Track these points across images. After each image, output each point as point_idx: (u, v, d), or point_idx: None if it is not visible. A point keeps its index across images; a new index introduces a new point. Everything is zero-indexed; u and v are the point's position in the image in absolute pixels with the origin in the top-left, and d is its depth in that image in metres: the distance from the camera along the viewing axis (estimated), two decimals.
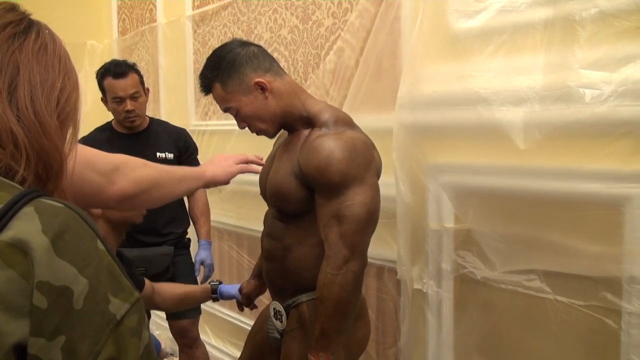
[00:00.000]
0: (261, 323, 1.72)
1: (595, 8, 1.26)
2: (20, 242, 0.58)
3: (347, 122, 1.49)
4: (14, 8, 0.72)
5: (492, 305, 1.56)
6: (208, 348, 2.78)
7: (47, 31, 0.74)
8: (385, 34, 2.02)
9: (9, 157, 0.65)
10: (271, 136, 1.56)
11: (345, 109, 2.16)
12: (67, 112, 0.73)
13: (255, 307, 1.91)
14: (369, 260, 2.08)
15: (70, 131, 0.74)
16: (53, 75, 0.72)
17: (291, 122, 1.53)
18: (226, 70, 1.47)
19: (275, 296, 1.61)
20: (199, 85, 1.55)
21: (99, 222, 1.45)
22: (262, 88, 1.47)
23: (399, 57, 1.99)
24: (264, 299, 1.93)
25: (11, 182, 0.65)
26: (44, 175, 0.70)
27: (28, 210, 0.60)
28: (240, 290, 1.87)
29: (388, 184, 1.82)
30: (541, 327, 1.45)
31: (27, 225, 0.59)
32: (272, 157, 1.63)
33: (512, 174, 1.43)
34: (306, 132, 1.49)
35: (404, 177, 1.70)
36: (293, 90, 1.52)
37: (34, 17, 0.75)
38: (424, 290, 1.70)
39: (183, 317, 2.45)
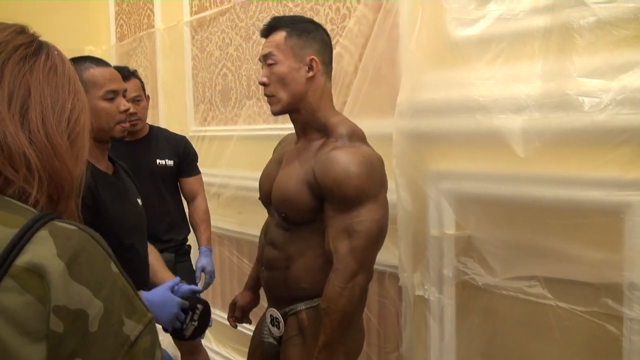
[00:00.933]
0: (258, 337, 1.71)
1: (593, 16, 1.27)
2: (36, 267, 0.59)
3: (362, 137, 1.52)
4: (23, 30, 0.73)
5: (494, 311, 1.57)
6: (210, 354, 2.79)
7: (56, 52, 0.75)
8: (384, 40, 2.03)
9: (22, 180, 0.66)
10: (277, 110, 1.51)
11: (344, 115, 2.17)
12: (77, 132, 0.73)
13: (249, 321, 1.89)
14: None
15: (79, 151, 0.74)
16: (63, 96, 0.72)
17: (306, 123, 1.53)
18: (300, 30, 1.48)
19: (272, 303, 1.62)
20: (263, 24, 1.52)
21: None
22: (310, 67, 1.47)
23: (397, 64, 2.00)
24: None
25: (25, 205, 0.66)
26: (56, 196, 0.70)
27: (43, 234, 0.61)
28: (234, 303, 1.85)
29: (388, 189, 1.83)
30: (543, 333, 1.46)
31: (42, 249, 0.60)
32: (276, 162, 1.62)
33: (512, 181, 1.43)
34: (320, 141, 1.50)
35: (405, 184, 1.71)
36: (326, 95, 1.53)
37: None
38: (426, 297, 1.70)
39: None
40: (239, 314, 1.84)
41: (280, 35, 1.47)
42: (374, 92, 2.08)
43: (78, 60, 1.51)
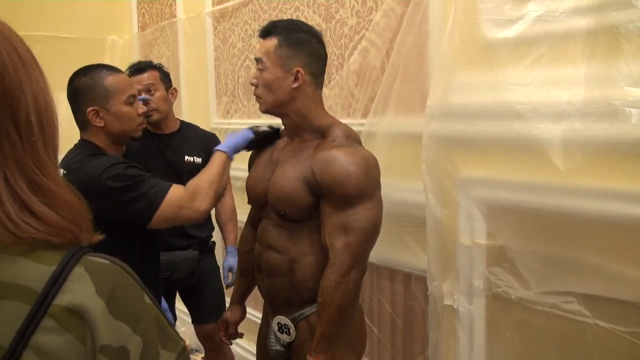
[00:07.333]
0: (263, 347, 1.69)
1: None
2: (77, 307, 0.59)
3: (357, 139, 1.55)
4: None
5: (527, 326, 1.51)
6: (234, 347, 2.78)
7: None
8: (413, 35, 1.94)
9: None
10: (263, 110, 1.57)
11: (372, 112, 2.10)
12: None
13: (241, 335, 1.88)
14: (395, 267, 2.06)
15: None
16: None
17: (298, 126, 1.56)
18: (292, 40, 1.50)
19: (278, 310, 1.61)
20: (262, 26, 1.56)
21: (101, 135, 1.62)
22: (296, 78, 1.50)
23: (427, 61, 1.92)
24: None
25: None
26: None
27: (79, 271, 0.61)
28: (225, 320, 1.84)
29: (416, 190, 1.77)
30: (580, 353, 1.39)
31: (81, 289, 0.60)
32: (268, 163, 1.63)
33: (551, 193, 1.36)
34: (315, 141, 1.53)
35: (434, 190, 1.64)
36: (316, 102, 1.56)
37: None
38: (455, 307, 1.65)
39: (208, 321, 2.44)
40: (232, 330, 1.85)
41: (272, 43, 1.50)
42: (402, 90, 2.00)
43: (93, 69, 1.63)
